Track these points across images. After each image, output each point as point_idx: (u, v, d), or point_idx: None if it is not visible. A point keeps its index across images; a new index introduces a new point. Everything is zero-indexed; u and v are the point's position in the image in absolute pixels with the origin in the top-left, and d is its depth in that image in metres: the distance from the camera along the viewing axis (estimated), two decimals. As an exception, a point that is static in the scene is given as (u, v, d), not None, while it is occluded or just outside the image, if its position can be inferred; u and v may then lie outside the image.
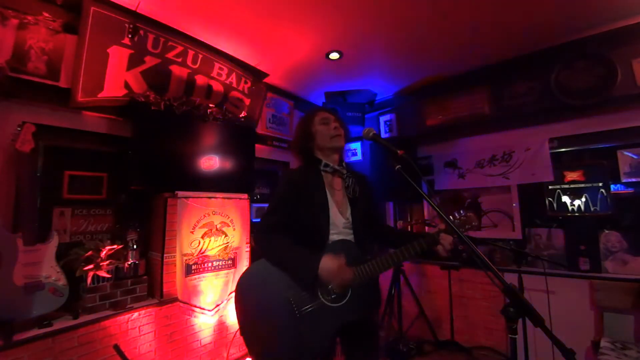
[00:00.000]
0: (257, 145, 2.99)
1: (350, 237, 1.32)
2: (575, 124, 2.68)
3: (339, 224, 1.31)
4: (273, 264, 1.26)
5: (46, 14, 1.88)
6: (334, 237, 1.29)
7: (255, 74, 3.01)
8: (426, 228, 3.59)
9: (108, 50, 2.07)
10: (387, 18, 2.26)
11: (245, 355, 2.49)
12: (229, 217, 2.54)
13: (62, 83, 1.96)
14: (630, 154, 2.48)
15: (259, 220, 3.30)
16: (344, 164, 1.46)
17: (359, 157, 3.94)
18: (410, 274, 3.33)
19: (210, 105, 2.62)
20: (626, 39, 2.40)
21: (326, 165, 1.39)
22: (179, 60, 2.44)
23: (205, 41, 2.54)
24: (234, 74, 2.84)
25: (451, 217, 1.21)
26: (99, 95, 2.07)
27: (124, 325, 1.92)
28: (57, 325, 1.70)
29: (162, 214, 2.19)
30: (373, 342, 1.38)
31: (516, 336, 0.90)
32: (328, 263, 1.15)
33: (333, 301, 1.21)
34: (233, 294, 2.48)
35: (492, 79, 3.05)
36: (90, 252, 1.90)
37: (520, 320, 0.85)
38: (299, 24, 2.33)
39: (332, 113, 1.46)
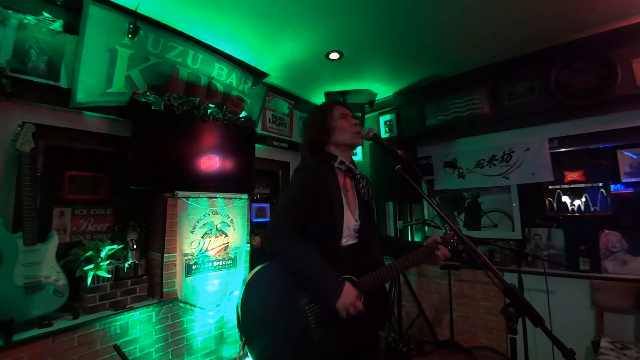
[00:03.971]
0: (257, 145, 2.99)
1: (358, 241, 1.29)
2: (575, 124, 2.68)
3: (351, 226, 1.27)
4: (289, 270, 1.14)
5: (46, 14, 1.88)
6: (344, 240, 1.25)
7: (255, 74, 3.01)
8: (426, 228, 3.60)
9: (108, 50, 2.07)
10: (387, 18, 2.26)
11: (245, 356, 2.49)
12: (229, 217, 2.54)
13: (62, 83, 1.96)
14: (630, 154, 2.48)
15: (267, 219, 3.31)
16: (354, 163, 1.41)
17: (359, 157, 3.94)
18: (410, 274, 3.34)
19: (211, 105, 2.63)
20: (626, 39, 2.40)
21: (342, 162, 1.32)
22: (179, 60, 2.44)
23: (205, 41, 2.54)
24: (234, 74, 2.84)
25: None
26: (99, 96, 2.07)
27: (124, 325, 1.92)
28: (57, 325, 1.70)
29: (162, 214, 2.19)
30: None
31: (516, 336, 0.90)
32: (349, 293, 1.08)
33: None
34: (236, 294, 2.50)
35: (492, 79, 3.05)
36: (90, 252, 1.90)
37: (520, 320, 0.85)
38: (299, 24, 2.32)
39: (350, 108, 1.41)
